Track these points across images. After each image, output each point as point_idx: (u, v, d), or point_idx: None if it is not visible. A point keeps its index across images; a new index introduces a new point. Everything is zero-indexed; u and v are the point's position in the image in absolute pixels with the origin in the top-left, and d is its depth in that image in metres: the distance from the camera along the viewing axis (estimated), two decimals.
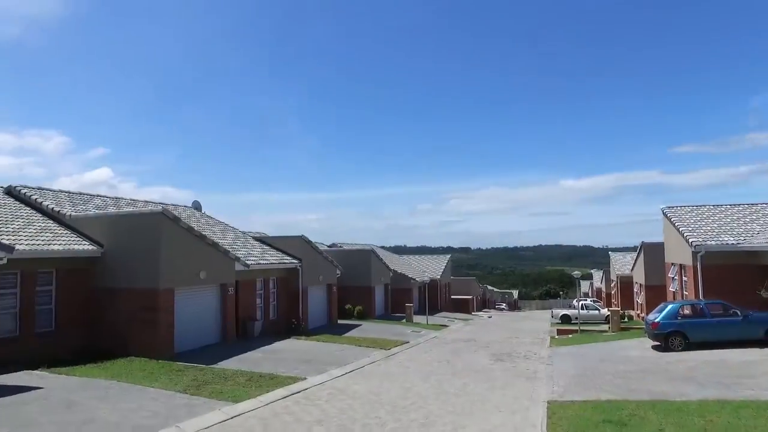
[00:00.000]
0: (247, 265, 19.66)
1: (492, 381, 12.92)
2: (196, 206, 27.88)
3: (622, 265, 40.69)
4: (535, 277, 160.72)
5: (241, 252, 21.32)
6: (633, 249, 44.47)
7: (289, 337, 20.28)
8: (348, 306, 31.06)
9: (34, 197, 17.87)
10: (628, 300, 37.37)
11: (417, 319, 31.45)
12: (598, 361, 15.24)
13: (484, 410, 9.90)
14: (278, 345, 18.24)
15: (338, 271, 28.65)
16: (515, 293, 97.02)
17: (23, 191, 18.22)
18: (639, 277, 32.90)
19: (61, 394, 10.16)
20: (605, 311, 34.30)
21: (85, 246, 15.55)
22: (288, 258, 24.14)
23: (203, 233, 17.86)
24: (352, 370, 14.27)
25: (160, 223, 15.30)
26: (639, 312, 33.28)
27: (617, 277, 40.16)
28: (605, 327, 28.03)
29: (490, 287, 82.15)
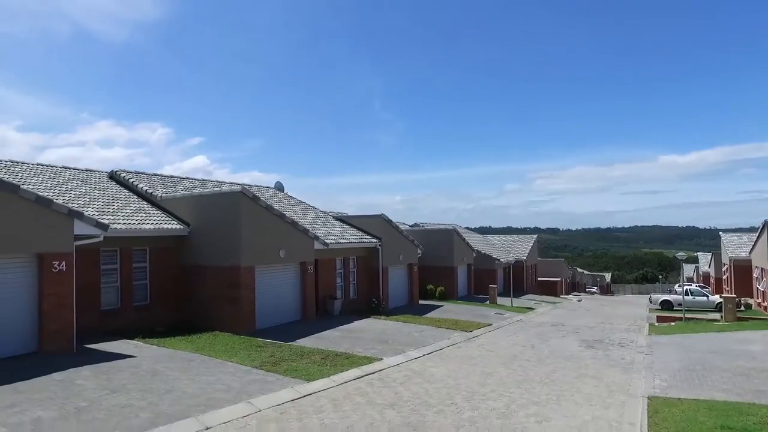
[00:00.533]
0: (327, 244, 19.72)
1: (582, 369, 11.82)
2: (279, 187, 28.57)
3: (737, 247, 36.30)
4: (630, 259, 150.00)
5: (321, 231, 21.47)
6: (749, 230, 39.63)
7: (368, 317, 20.19)
8: (429, 286, 30.57)
9: (131, 180, 19.08)
10: (744, 286, 33.29)
11: (501, 301, 30.28)
12: (710, 353, 13.47)
13: (573, 402, 8.95)
14: (357, 324, 18.18)
15: (419, 251, 28.16)
16: (608, 276, 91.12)
17: (122, 175, 19.54)
18: (760, 261, 29.08)
19: (149, 363, 10.63)
20: (716, 298, 30.85)
21: (173, 225, 16.30)
22: (368, 237, 24.01)
23: (283, 212, 18.08)
24: (430, 352, 13.77)
25: (239, 202, 15.61)
26: (760, 300, 29.55)
27: (730, 261, 35.90)
28: (716, 316, 25.16)
29: (579, 270, 77.76)
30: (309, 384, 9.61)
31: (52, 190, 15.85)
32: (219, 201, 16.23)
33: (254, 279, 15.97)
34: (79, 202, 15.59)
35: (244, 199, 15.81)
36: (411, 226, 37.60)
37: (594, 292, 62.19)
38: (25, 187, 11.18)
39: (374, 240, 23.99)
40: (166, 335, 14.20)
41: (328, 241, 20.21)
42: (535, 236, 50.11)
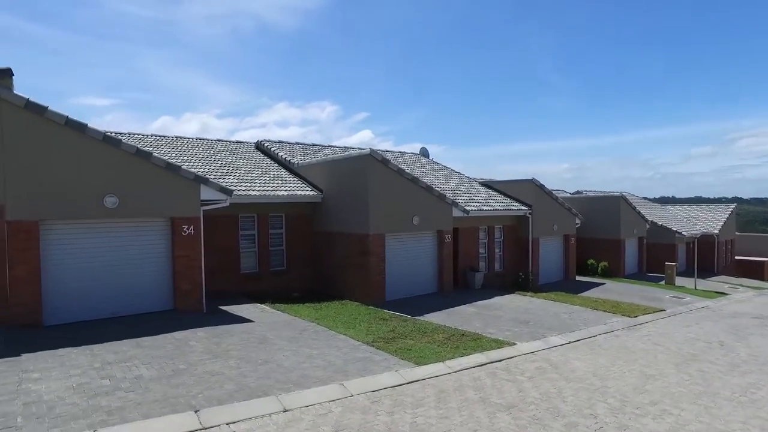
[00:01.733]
0: (467, 211, 18.09)
1: None
2: (424, 153, 27.57)
3: None
4: None
5: (463, 197, 19.90)
6: None
7: (512, 292, 18.23)
8: (590, 261, 27.00)
9: (273, 149, 19.68)
10: None
11: (680, 282, 25.35)
12: None
13: None
14: (498, 300, 16.40)
15: (578, 221, 24.82)
16: None
17: (266, 145, 20.28)
18: None
19: (262, 330, 10.45)
20: None
21: (307, 191, 16.24)
22: (516, 204, 21.72)
23: (422, 178, 16.91)
24: (577, 339, 11.47)
25: (368, 165, 14.79)
26: None
27: None
28: None
29: None
30: (417, 369, 8.36)
31: (202, 161, 16.92)
32: (349, 165, 15.67)
33: (384, 247, 15.18)
34: (223, 170, 16.36)
35: (372, 162, 14.96)
36: (572, 194, 33.74)
37: None
38: (157, 155, 11.73)
39: (523, 207, 21.59)
40: (299, 301, 14.26)
41: (469, 207, 18.57)
42: (733, 206, 41.26)
